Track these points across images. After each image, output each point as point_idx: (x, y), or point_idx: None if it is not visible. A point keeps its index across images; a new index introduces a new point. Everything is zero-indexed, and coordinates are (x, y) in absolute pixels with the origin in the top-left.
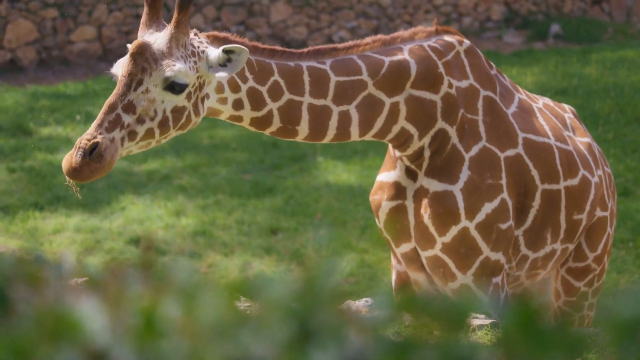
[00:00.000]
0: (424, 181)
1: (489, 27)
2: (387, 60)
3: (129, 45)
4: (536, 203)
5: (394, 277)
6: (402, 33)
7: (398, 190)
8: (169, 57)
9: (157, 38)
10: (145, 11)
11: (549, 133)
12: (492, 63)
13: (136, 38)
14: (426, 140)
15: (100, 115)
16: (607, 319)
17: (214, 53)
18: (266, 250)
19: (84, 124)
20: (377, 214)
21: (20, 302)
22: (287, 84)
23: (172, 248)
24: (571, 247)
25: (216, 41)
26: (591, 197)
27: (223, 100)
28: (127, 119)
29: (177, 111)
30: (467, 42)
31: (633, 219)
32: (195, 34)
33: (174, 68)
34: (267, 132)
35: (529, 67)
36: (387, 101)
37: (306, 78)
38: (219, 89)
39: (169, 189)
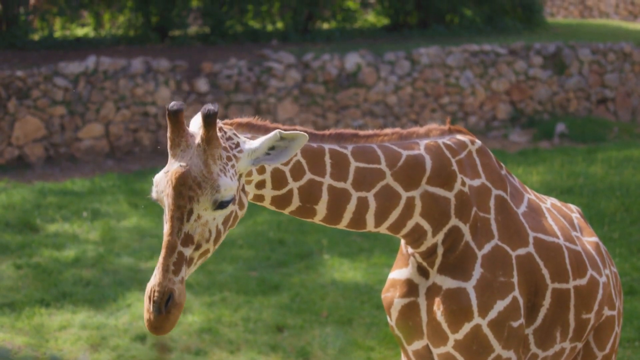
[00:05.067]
0: (437, 278)
1: (494, 126)
2: (404, 153)
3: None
4: (546, 302)
5: None
6: (418, 129)
7: (410, 288)
8: (209, 176)
9: (191, 156)
10: (169, 128)
11: (558, 233)
12: (501, 163)
13: (143, 136)
14: (440, 237)
15: (162, 260)
16: None
17: (257, 144)
18: (272, 347)
19: (91, 220)
20: (389, 312)
21: None
22: (309, 164)
23: (178, 345)
24: (580, 346)
25: (240, 128)
26: (599, 296)
27: (248, 182)
28: (188, 251)
29: (227, 220)
30: (478, 142)
31: (639, 317)
32: (220, 129)
33: (220, 189)
34: (287, 211)
35: (534, 166)
36: (404, 195)
37: (327, 160)
38: (248, 174)
39: None
